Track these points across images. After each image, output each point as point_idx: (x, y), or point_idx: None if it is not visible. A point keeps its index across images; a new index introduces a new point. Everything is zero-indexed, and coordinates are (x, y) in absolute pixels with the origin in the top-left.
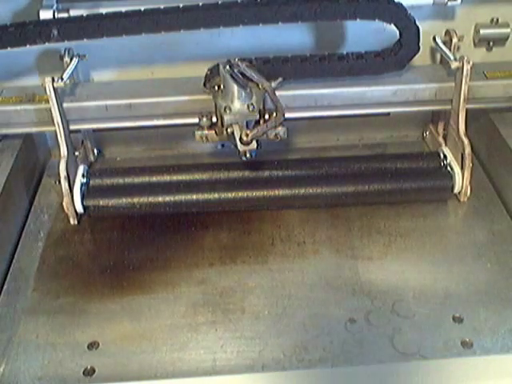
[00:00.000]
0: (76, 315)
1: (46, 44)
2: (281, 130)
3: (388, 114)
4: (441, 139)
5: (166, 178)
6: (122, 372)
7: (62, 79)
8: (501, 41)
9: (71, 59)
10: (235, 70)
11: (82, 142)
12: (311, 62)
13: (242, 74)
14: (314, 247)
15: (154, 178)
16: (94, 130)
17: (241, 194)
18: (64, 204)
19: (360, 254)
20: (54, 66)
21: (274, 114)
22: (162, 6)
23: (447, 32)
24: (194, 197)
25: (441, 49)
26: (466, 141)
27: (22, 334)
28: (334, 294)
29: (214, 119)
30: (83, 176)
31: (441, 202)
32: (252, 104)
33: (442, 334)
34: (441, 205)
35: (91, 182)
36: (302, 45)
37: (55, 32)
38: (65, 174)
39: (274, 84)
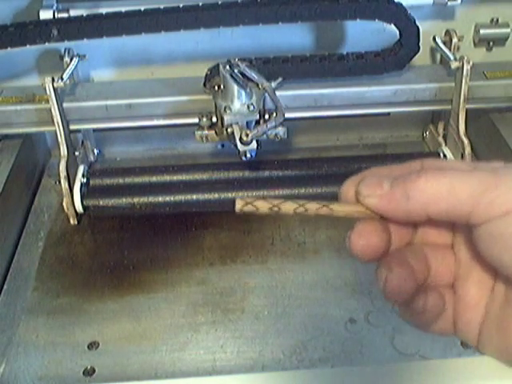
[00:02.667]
0: (76, 315)
1: (46, 44)
2: (281, 130)
3: (388, 114)
4: (441, 139)
5: (166, 178)
6: (122, 372)
7: (62, 79)
8: (501, 41)
9: (71, 59)
10: (235, 70)
11: (82, 142)
12: (311, 62)
13: (242, 74)
14: (314, 247)
15: (154, 178)
16: (94, 130)
17: (241, 194)
18: (64, 204)
19: None
20: (54, 65)
21: (274, 114)
22: (161, 6)
23: (447, 32)
24: (194, 197)
25: (441, 49)
26: (465, 141)
27: (21, 334)
28: (334, 294)
29: (214, 119)
30: (83, 176)
31: None
32: (252, 104)
33: None
34: None
35: (91, 182)
36: (302, 45)
37: (55, 32)
38: (65, 174)
39: (273, 84)
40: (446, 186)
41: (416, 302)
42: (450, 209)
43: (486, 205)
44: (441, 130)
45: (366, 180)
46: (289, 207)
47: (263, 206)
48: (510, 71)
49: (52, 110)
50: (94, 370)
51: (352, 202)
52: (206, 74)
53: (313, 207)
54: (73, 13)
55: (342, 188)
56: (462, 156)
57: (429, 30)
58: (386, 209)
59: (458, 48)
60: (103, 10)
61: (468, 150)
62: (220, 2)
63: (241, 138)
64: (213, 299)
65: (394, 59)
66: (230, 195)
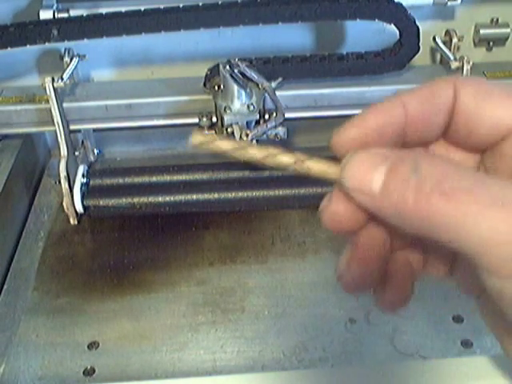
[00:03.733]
0: (76, 315)
1: (46, 44)
2: (281, 130)
3: None
4: None
5: (166, 178)
6: (122, 372)
7: (62, 79)
8: (501, 41)
9: (71, 59)
10: (235, 70)
11: (82, 142)
12: (311, 61)
13: (242, 74)
14: (314, 247)
15: (154, 178)
16: (94, 130)
17: (241, 194)
18: (64, 204)
19: None
20: (54, 66)
21: (274, 114)
22: (161, 6)
23: (447, 32)
24: (194, 197)
25: (441, 49)
26: None
27: (21, 334)
28: (334, 294)
29: (214, 119)
30: (83, 176)
31: None
32: (252, 104)
33: (442, 333)
34: None
35: (91, 182)
36: (302, 45)
37: (55, 32)
38: (65, 174)
39: (273, 84)
40: (471, 217)
41: (379, 293)
42: (463, 243)
43: None
44: None
45: (353, 160)
46: (257, 153)
47: (225, 146)
48: (510, 71)
49: (52, 110)
50: (93, 370)
51: (342, 154)
52: (206, 74)
53: (285, 160)
54: (73, 13)
55: (336, 138)
56: None
57: (429, 30)
58: (374, 212)
59: (458, 48)
60: (103, 10)
61: None
62: (220, 2)
63: (241, 138)
64: (213, 299)
65: (394, 59)
66: (230, 195)
